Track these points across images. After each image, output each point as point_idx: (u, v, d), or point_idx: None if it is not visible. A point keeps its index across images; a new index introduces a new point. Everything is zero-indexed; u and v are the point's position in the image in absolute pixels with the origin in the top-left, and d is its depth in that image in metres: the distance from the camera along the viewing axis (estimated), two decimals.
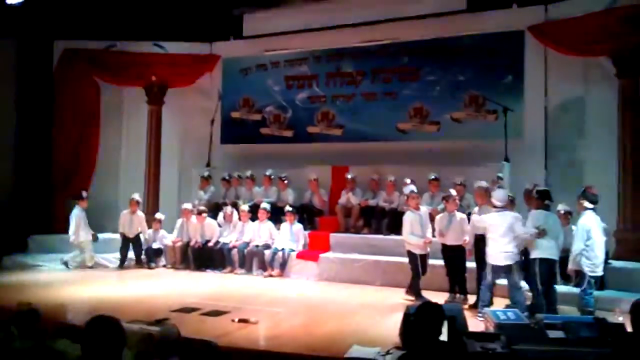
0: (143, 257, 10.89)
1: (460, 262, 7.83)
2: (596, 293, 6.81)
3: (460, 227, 7.79)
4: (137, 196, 11.08)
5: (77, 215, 10.62)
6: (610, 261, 7.60)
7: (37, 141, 12.22)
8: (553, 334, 4.80)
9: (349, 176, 10.63)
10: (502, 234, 6.84)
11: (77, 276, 9.80)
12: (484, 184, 7.64)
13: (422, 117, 11.03)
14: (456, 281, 7.84)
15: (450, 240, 7.82)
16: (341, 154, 11.37)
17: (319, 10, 11.70)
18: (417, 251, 7.93)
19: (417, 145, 10.85)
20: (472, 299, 7.59)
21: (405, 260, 8.15)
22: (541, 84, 10.06)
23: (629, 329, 4.17)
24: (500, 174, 8.90)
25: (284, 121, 12.31)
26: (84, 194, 10.94)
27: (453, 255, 7.83)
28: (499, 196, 7.05)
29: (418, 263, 7.88)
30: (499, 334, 4.85)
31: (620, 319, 5.57)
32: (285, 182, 10.97)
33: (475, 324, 6.10)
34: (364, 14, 11.37)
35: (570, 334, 4.79)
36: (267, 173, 11.22)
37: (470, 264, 7.79)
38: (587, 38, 9.27)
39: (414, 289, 7.91)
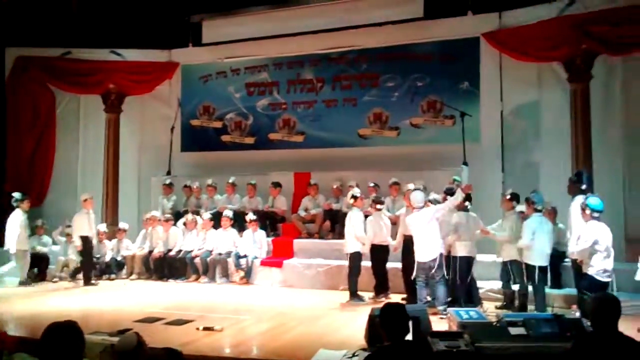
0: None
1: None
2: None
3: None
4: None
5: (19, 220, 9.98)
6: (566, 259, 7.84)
7: None
8: (514, 330, 4.92)
9: (312, 182, 10.71)
10: (422, 232, 7.32)
11: (34, 289, 9.56)
12: (412, 187, 8.07)
13: (381, 123, 11.18)
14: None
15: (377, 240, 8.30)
16: (303, 160, 11.41)
17: (279, 17, 11.74)
18: (362, 250, 8.26)
19: (378, 150, 10.99)
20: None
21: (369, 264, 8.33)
22: (497, 89, 10.31)
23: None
24: (456, 177, 9.09)
25: (245, 128, 12.27)
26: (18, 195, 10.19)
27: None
28: (415, 198, 7.50)
29: (361, 262, 8.29)
30: (462, 332, 4.94)
31: (577, 315, 5.75)
32: (255, 188, 10.95)
33: (437, 323, 6.21)
34: (323, 22, 11.44)
35: (531, 331, 4.93)
36: (230, 180, 11.16)
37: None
38: (540, 44, 9.55)
39: (353, 288, 8.21)
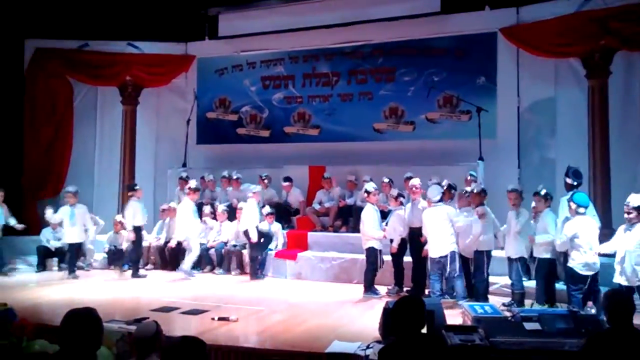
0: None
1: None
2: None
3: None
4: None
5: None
6: None
7: (8, 142, 11.99)
8: (529, 325, 4.92)
9: (326, 176, 10.75)
10: (436, 227, 7.49)
11: (51, 278, 9.69)
12: (417, 182, 8.26)
13: (397, 117, 11.16)
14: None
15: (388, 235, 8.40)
16: (318, 154, 11.44)
17: (295, 11, 11.71)
18: (377, 246, 8.28)
19: (393, 145, 10.98)
20: None
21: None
22: (513, 84, 10.24)
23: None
24: (472, 172, 9.08)
25: (260, 121, 12.31)
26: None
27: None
28: (432, 193, 7.68)
29: (378, 257, 8.29)
30: (476, 326, 4.96)
31: (593, 311, 5.74)
32: (266, 181, 10.95)
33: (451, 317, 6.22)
34: (339, 16, 11.37)
35: (546, 326, 4.92)
36: (234, 177, 11.15)
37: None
38: (558, 40, 9.46)
39: (368, 282, 8.23)
